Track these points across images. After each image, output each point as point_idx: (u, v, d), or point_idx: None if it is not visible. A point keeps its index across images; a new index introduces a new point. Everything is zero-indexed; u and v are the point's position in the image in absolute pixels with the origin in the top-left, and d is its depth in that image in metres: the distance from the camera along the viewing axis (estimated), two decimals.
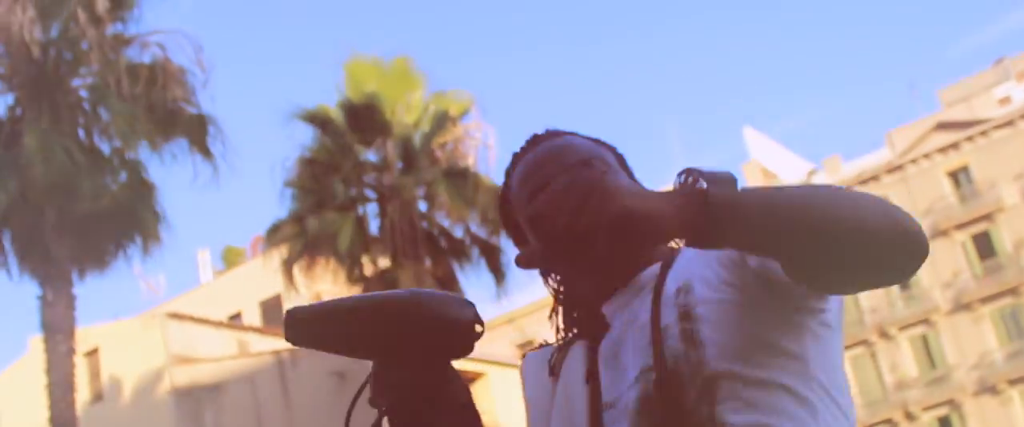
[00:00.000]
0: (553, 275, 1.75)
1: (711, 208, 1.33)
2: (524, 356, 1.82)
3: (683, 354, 1.54)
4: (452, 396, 1.59)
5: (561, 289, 1.76)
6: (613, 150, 1.77)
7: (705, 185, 1.34)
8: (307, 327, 1.56)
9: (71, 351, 17.60)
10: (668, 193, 1.38)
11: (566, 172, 1.65)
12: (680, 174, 1.41)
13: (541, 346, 1.80)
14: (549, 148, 1.73)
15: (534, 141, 1.76)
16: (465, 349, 1.58)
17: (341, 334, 1.56)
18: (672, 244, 1.70)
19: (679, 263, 1.61)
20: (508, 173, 1.78)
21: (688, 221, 1.34)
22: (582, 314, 1.73)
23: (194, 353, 26.72)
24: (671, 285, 1.59)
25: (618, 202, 1.34)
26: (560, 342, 1.76)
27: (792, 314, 1.55)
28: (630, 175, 1.75)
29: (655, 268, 1.64)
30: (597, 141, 1.76)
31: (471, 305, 1.58)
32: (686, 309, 1.55)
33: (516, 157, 1.77)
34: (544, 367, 1.75)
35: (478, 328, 1.57)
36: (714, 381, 1.52)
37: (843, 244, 1.38)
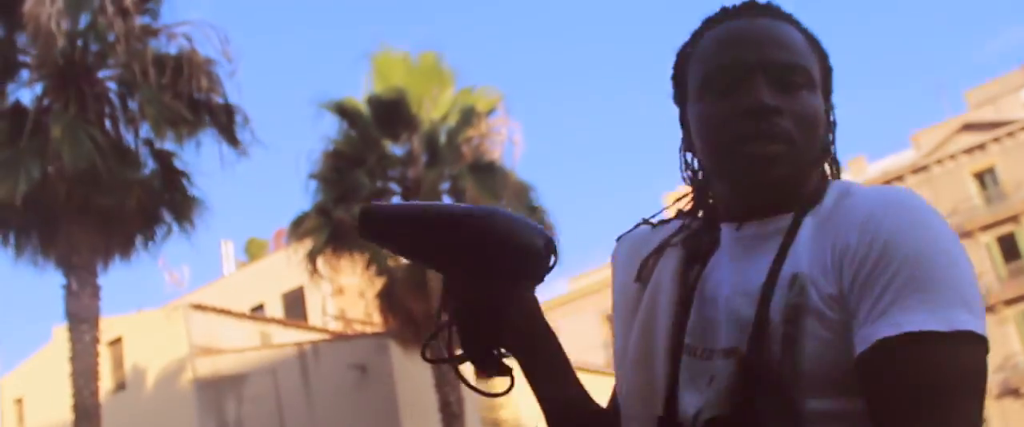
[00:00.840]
0: (694, 155, 1.64)
1: None
2: (618, 239, 1.70)
3: (778, 360, 1.40)
4: (519, 315, 1.56)
5: (698, 175, 1.64)
6: (823, 60, 1.61)
7: None
8: (380, 225, 1.54)
9: (95, 340, 17.62)
10: None
11: (765, 70, 1.52)
12: None
13: (637, 226, 1.69)
14: (764, 27, 1.57)
15: (751, 8, 1.60)
16: (534, 275, 1.54)
17: (412, 240, 1.55)
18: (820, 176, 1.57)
19: (803, 234, 1.47)
20: (708, 21, 1.63)
21: None
22: (708, 216, 1.63)
23: (216, 344, 26.76)
24: (788, 268, 1.44)
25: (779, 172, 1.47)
26: (665, 222, 1.67)
27: None
28: (827, 95, 1.59)
29: (787, 221, 1.50)
30: (813, 42, 1.61)
31: (544, 233, 1.54)
32: (794, 313, 1.40)
33: (726, 11, 1.61)
34: (635, 261, 1.64)
35: (549, 255, 1.53)
36: (803, 420, 1.39)
37: None
